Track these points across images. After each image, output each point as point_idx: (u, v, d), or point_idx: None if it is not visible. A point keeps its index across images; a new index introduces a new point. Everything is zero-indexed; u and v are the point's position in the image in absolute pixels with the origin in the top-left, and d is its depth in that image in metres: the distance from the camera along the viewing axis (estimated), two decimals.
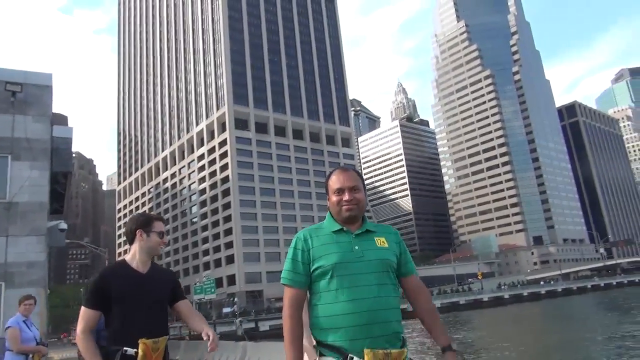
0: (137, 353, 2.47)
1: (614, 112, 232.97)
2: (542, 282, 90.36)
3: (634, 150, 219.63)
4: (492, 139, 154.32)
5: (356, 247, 2.01)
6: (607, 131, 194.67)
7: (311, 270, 2.00)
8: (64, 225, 11.46)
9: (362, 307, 1.90)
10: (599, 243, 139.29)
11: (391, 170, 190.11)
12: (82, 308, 2.60)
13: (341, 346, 1.88)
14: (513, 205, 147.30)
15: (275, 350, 10.26)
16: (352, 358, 1.86)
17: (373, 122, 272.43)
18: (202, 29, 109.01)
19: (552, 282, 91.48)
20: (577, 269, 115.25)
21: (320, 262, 1.99)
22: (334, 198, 2.10)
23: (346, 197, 2.07)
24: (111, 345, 2.53)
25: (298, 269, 2.01)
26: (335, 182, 2.11)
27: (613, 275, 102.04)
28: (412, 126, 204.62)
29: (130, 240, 2.80)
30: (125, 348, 2.47)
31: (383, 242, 2.07)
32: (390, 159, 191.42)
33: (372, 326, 1.89)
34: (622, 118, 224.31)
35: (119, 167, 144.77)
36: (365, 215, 2.15)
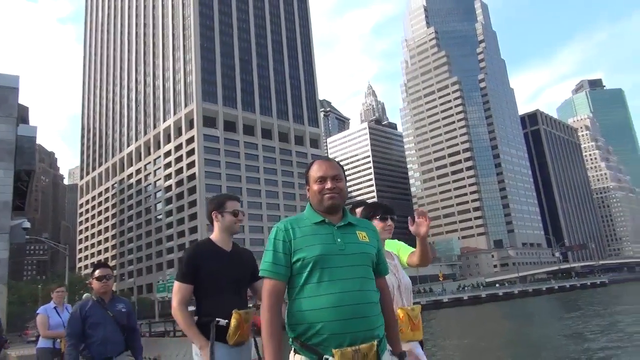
0: (228, 324, 2.66)
1: (574, 121, 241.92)
2: (497, 285, 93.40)
3: (591, 159, 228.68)
4: (457, 144, 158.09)
5: (338, 240, 1.97)
6: (566, 139, 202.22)
7: (292, 262, 1.94)
8: (27, 224, 11.67)
9: (346, 301, 1.85)
10: (555, 247, 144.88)
11: (359, 171, 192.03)
12: (176, 283, 2.81)
13: (319, 343, 1.83)
14: (475, 209, 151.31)
15: None
16: (327, 359, 1.81)
17: (342, 123, 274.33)
18: (172, 24, 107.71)
19: (506, 284, 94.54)
20: (534, 272, 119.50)
21: (301, 253, 1.92)
22: (315, 187, 2.05)
23: (328, 185, 2.02)
24: (201, 317, 2.74)
25: (279, 260, 1.94)
26: (317, 170, 2.07)
27: (568, 279, 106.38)
28: (380, 129, 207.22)
29: (211, 221, 3.06)
30: (217, 319, 2.67)
31: (364, 236, 2.04)
32: (358, 160, 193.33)
33: (354, 321, 1.84)
34: (581, 127, 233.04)
35: (81, 161, 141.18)
36: (345, 207, 2.12)
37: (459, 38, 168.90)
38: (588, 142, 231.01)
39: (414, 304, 2.82)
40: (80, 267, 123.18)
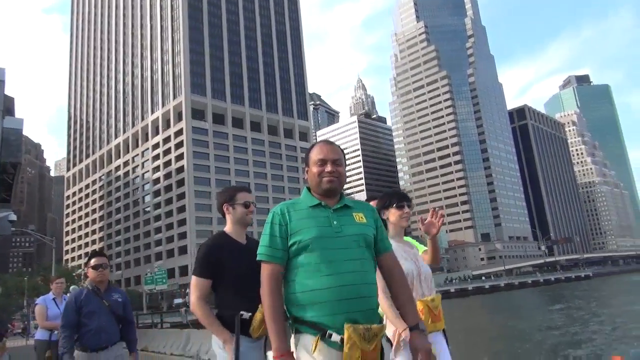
0: (251, 317, 2.64)
1: (561, 116, 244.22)
2: (483, 278, 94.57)
3: (577, 154, 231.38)
4: (446, 138, 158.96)
5: (334, 222, 1.98)
6: (553, 134, 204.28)
7: (289, 245, 1.96)
8: (13, 217, 11.67)
9: (343, 281, 1.87)
10: (541, 241, 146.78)
11: (348, 165, 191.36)
12: (194, 278, 2.78)
13: (320, 322, 1.85)
14: (463, 202, 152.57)
15: (212, 336, 10.95)
16: (330, 335, 1.83)
17: (332, 116, 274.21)
18: (161, 15, 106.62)
19: (492, 277, 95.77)
20: (520, 265, 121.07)
21: (298, 236, 1.94)
22: (314, 169, 2.05)
23: (329, 168, 2.03)
24: (222, 311, 2.72)
25: (276, 244, 1.96)
26: (318, 152, 2.07)
27: (553, 272, 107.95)
28: (370, 122, 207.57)
29: (222, 214, 3.00)
30: (241, 312, 2.65)
31: (361, 217, 2.05)
32: (347, 154, 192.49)
33: (352, 301, 1.86)
34: (568, 123, 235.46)
35: (68, 152, 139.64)
36: (342, 191, 2.13)
37: (449, 33, 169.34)
38: (575, 138, 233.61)
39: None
40: (67, 260, 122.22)
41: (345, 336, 1.80)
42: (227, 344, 2.62)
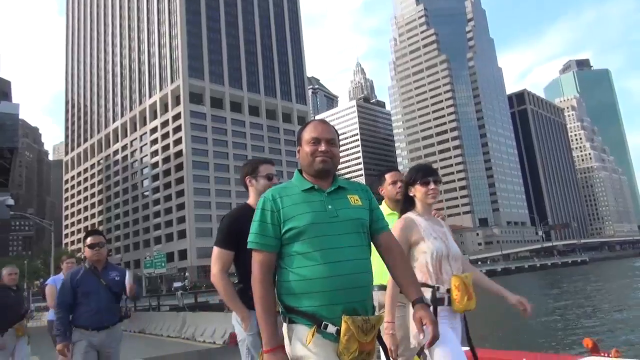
0: None
1: (560, 101, 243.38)
2: (479, 262, 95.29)
3: (576, 139, 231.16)
4: (445, 123, 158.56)
5: (329, 207, 1.88)
6: (552, 119, 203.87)
7: (282, 232, 1.85)
8: (10, 201, 11.77)
9: (341, 270, 1.78)
10: (539, 226, 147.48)
11: (347, 149, 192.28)
12: (216, 249, 2.75)
13: (315, 312, 1.77)
14: (462, 187, 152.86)
15: (207, 319, 11.25)
16: (326, 326, 1.76)
17: (331, 100, 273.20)
18: None
19: (488, 262, 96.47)
20: (518, 250, 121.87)
21: (291, 223, 1.84)
22: (307, 148, 1.95)
23: (322, 147, 1.93)
24: (245, 286, 2.61)
25: (267, 232, 1.85)
26: (311, 131, 1.97)
27: (550, 257, 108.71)
28: (368, 107, 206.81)
29: (245, 187, 2.96)
30: None
31: (356, 200, 1.95)
32: (346, 138, 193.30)
33: (350, 290, 1.78)
34: (567, 107, 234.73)
35: (66, 137, 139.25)
36: (336, 172, 2.03)
37: (449, 16, 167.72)
38: (574, 123, 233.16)
39: None
40: (66, 243, 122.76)
41: (343, 328, 1.73)
42: (245, 321, 2.56)
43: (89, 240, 3.95)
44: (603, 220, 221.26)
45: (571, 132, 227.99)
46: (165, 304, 20.66)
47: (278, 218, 1.86)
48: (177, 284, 62.11)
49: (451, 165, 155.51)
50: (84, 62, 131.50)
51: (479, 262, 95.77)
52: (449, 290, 2.42)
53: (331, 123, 1.85)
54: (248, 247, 1.88)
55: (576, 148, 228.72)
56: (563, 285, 43.89)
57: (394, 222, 2.96)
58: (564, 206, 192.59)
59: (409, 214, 2.62)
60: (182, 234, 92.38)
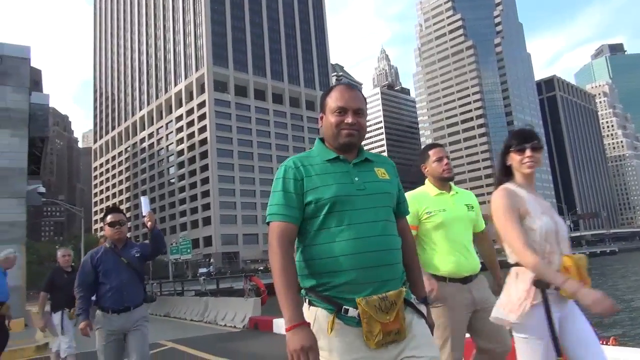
0: None
1: (592, 87, 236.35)
2: (503, 253, 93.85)
3: (608, 126, 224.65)
4: (470, 110, 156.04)
5: (356, 179, 1.72)
6: (583, 106, 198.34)
7: (305, 204, 1.69)
8: (42, 189, 12.27)
9: (370, 246, 1.63)
10: (567, 215, 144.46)
11: (370, 137, 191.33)
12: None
13: (337, 295, 1.62)
14: (487, 176, 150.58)
15: (228, 304, 11.59)
16: (347, 310, 1.60)
17: None
18: None
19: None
20: None
21: (315, 194, 1.67)
22: (332, 119, 1.76)
23: (349, 119, 1.74)
24: None
25: (290, 201, 1.69)
26: (337, 99, 1.77)
27: (578, 247, 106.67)
28: (393, 94, 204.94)
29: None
30: None
31: (384, 173, 1.80)
32: (370, 126, 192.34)
33: (379, 269, 1.63)
34: (599, 94, 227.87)
35: (95, 125, 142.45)
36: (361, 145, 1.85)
37: (475, 0, 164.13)
38: (605, 109, 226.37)
39: None
40: (95, 229, 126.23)
41: (360, 311, 1.58)
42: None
43: (108, 218, 3.83)
44: (635, 209, 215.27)
45: (602, 119, 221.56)
46: (190, 289, 21.24)
47: (301, 187, 1.70)
48: (202, 270, 63.38)
49: (477, 154, 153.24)
50: (111, 51, 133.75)
51: (503, 253, 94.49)
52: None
53: None
54: (267, 220, 1.72)
55: (607, 135, 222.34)
56: (600, 277, 43.20)
57: (443, 203, 2.89)
58: (594, 195, 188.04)
59: (507, 185, 2.29)
60: (207, 221, 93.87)
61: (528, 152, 2.27)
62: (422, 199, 2.88)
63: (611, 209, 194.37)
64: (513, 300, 2.12)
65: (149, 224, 3.76)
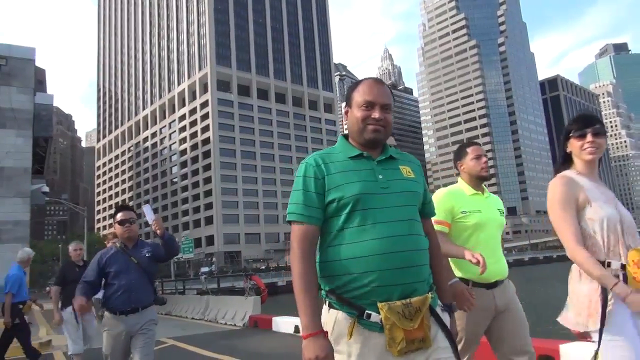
0: None
1: (596, 87, 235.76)
2: (504, 252, 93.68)
3: (612, 126, 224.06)
4: (474, 110, 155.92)
5: (380, 176, 1.65)
6: (586, 106, 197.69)
7: (326, 203, 1.63)
8: (45, 189, 12.44)
9: (396, 246, 1.55)
10: None
11: None
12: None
13: (361, 296, 1.54)
14: (490, 175, 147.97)
15: (228, 303, 11.75)
16: (369, 315, 1.52)
17: None
18: None
19: (514, 252, 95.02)
20: (545, 239, 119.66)
21: (338, 192, 1.60)
22: (358, 113, 1.69)
23: (376, 114, 1.67)
24: None
25: (311, 201, 1.62)
26: (365, 93, 1.70)
27: None
28: (396, 94, 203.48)
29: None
30: None
31: (409, 172, 1.73)
32: None
33: (406, 270, 1.55)
34: (603, 94, 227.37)
35: (98, 124, 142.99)
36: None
37: (479, 0, 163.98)
38: (609, 109, 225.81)
39: None
40: (98, 228, 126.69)
41: (382, 317, 1.49)
42: None
43: (119, 216, 3.72)
44: (638, 209, 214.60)
45: (606, 118, 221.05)
46: (192, 287, 21.41)
47: (322, 186, 1.63)
48: (204, 269, 63.61)
49: None
50: (115, 50, 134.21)
51: (505, 252, 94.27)
52: (623, 267, 1.93)
53: None
54: (288, 219, 1.66)
55: (611, 135, 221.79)
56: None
57: (479, 204, 2.75)
58: None
59: (566, 173, 2.14)
60: (209, 220, 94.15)
61: (589, 137, 2.09)
62: (459, 197, 2.75)
63: None
64: (584, 302, 1.96)
65: (158, 231, 3.64)
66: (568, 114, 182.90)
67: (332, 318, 1.58)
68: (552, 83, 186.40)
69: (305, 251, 1.58)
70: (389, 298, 1.51)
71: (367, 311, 1.52)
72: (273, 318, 9.63)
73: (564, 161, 2.20)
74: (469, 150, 2.88)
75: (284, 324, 9.18)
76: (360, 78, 1.81)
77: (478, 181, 2.86)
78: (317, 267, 1.63)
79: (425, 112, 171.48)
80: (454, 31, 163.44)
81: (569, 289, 2.07)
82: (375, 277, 1.52)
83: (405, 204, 1.63)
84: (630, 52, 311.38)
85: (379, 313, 1.50)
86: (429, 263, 1.69)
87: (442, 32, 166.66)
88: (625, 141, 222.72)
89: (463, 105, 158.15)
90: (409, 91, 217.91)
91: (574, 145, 2.13)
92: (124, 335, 3.53)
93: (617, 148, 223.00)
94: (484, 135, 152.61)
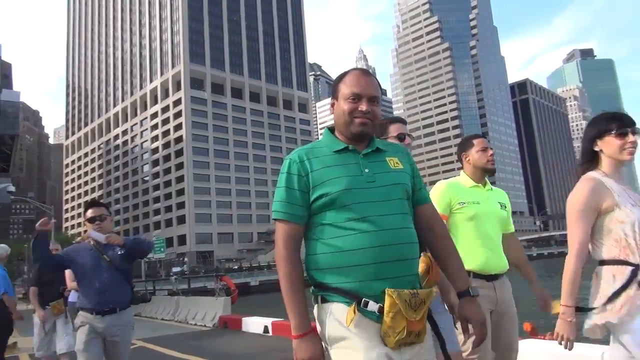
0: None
1: (563, 91, 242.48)
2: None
3: (577, 129, 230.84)
4: (446, 112, 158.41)
5: (366, 170, 1.60)
6: (554, 109, 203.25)
7: (311, 200, 1.58)
8: (11, 188, 12.20)
9: (385, 239, 1.51)
10: (537, 216, 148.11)
11: None
12: None
13: (352, 288, 1.50)
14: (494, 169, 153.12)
15: (198, 303, 11.77)
16: (366, 303, 1.47)
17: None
18: None
19: None
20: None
21: (323, 189, 1.56)
22: (345, 106, 1.64)
23: (364, 106, 1.62)
24: None
25: (295, 199, 1.58)
26: (352, 84, 1.64)
27: (547, 246, 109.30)
28: None
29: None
30: None
31: (397, 163, 1.68)
32: None
33: (395, 264, 1.51)
34: (570, 97, 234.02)
35: (67, 120, 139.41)
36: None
37: (452, 3, 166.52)
38: (576, 113, 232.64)
39: None
40: (66, 227, 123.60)
41: (388, 303, 1.45)
42: None
43: (89, 213, 3.51)
44: None
45: (573, 122, 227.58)
46: (163, 288, 21.22)
47: (307, 183, 1.59)
48: (175, 269, 62.99)
49: (451, 154, 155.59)
50: (85, 45, 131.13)
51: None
52: None
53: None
54: (272, 217, 1.63)
55: (577, 138, 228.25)
56: (553, 275, 44.48)
57: (478, 196, 2.73)
58: (564, 196, 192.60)
59: (593, 174, 2.09)
60: (181, 219, 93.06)
61: (631, 137, 2.04)
62: (457, 189, 2.74)
63: None
64: (612, 299, 1.93)
65: (116, 244, 3.44)
66: (537, 117, 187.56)
67: (325, 311, 1.54)
68: (522, 86, 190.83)
69: (291, 251, 1.56)
70: (377, 291, 1.48)
71: (364, 299, 1.47)
72: (242, 318, 9.73)
73: (588, 160, 2.13)
74: (475, 142, 2.84)
75: (253, 324, 9.28)
76: (334, 78, 1.77)
77: (482, 174, 2.82)
78: (306, 260, 1.61)
79: (399, 112, 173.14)
80: (428, 33, 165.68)
81: (595, 288, 2.03)
82: (364, 270, 1.49)
83: (392, 198, 1.58)
84: (595, 58, 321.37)
85: (376, 302, 1.47)
86: (439, 250, 1.69)
87: (415, 35, 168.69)
88: None
89: (435, 107, 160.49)
90: (383, 92, 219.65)
91: (611, 144, 2.05)
92: (98, 336, 3.35)
93: None
94: (456, 136, 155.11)
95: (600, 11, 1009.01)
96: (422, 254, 2.00)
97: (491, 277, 2.62)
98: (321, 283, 1.55)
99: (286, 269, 1.54)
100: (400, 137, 2.46)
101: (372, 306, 1.47)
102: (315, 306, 1.58)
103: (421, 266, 1.99)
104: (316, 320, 1.58)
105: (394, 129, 2.49)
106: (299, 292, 1.53)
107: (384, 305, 1.45)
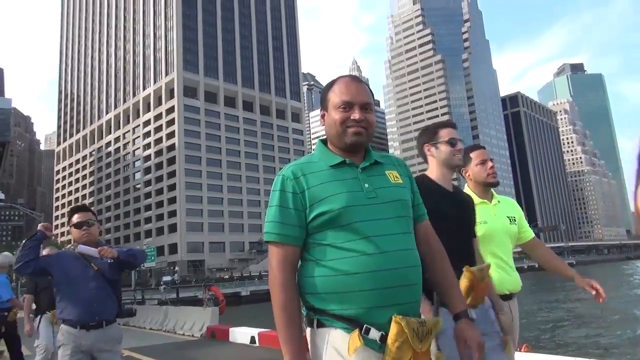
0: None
1: (553, 104, 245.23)
2: None
3: (568, 143, 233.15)
4: None
5: (366, 185, 1.46)
6: (545, 122, 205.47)
7: (309, 220, 1.44)
8: (1, 195, 12.17)
9: (388, 263, 1.37)
10: None
11: None
12: None
13: (352, 315, 1.36)
14: (497, 182, 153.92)
15: (186, 313, 11.79)
16: (368, 329, 1.34)
17: None
18: None
19: None
20: None
21: (322, 207, 1.42)
22: (336, 115, 1.51)
23: (356, 114, 1.49)
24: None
25: (290, 219, 1.43)
26: (342, 92, 1.52)
27: None
28: None
29: (424, 157, 2.42)
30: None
31: (396, 177, 1.54)
32: None
33: (400, 289, 1.38)
34: (560, 111, 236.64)
35: (59, 127, 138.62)
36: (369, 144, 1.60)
37: (445, 16, 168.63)
38: (566, 126, 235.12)
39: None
40: (56, 235, 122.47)
41: (394, 332, 1.31)
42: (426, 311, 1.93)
43: (75, 218, 3.23)
44: (592, 223, 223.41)
45: (563, 135, 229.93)
46: (153, 297, 21.12)
47: (302, 201, 1.44)
48: (166, 278, 62.51)
49: None
50: (78, 51, 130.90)
51: None
52: None
53: None
54: (265, 239, 1.47)
55: (567, 151, 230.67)
56: (543, 287, 44.76)
57: (484, 214, 2.51)
58: (554, 208, 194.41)
59: None
60: (172, 228, 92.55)
61: None
62: None
63: (570, 223, 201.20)
64: None
65: (109, 257, 3.08)
66: (528, 130, 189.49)
67: (322, 337, 1.39)
68: (513, 99, 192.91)
69: (287, 277, 1.41)
70: (380, 319, 1.35)
71: (365, 326, 1.34)
72: (230, 329, 9.76)
73: None
74: (472, 155, 2.63)
75: (240, 334, 9.31)
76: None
77: (485, 188, 2.63)
78: (302, 282, 1.45)
79: (392, 124, 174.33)
80: (420, 45, 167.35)
81: None
82: (365, 296, 1.35)
83: (396, 216, 1.45)
84: (585, 72, 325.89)
85: (379, 330, 1.34)
86: (435, 271, 1.57)
87: (408, 46, 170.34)
88: (580, 157, 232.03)
89: (428, 119, 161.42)
90: (376, 103, 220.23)
91: None
92: (80, 353, 3.00)
93: (573, 164, 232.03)
94: None
95: (589, 26, 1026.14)
96: (464, 269, 1.93)
97: (505, 297, 2.48)
98: (317, 309, 1.41)
99: (282, 298, 1.39)
100: (452, 143, 2.27)
101: (374, 334, 1.34)
102: (309, 329, 1.44)
103: (464, 282, 1.90)
104: (309, 344, 1.43)
105: (445, 134, 2.28)
106: (296, 326, 1.38)
107: (386, 333, 1.33)
